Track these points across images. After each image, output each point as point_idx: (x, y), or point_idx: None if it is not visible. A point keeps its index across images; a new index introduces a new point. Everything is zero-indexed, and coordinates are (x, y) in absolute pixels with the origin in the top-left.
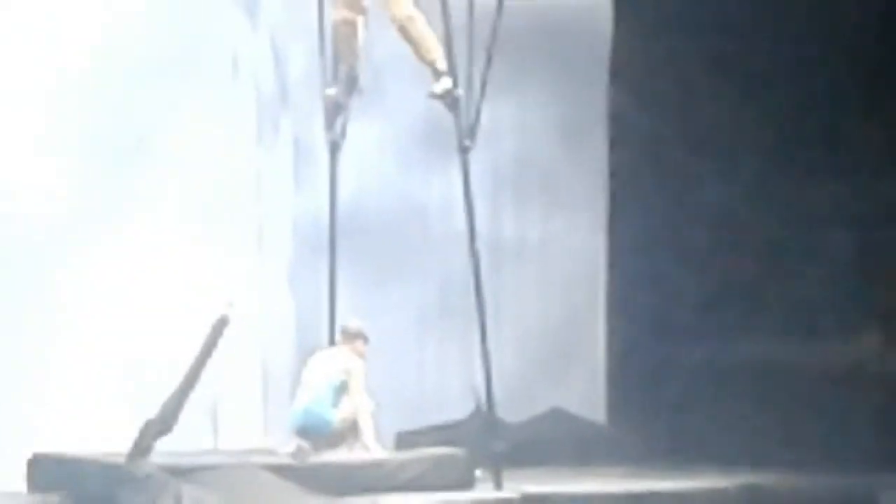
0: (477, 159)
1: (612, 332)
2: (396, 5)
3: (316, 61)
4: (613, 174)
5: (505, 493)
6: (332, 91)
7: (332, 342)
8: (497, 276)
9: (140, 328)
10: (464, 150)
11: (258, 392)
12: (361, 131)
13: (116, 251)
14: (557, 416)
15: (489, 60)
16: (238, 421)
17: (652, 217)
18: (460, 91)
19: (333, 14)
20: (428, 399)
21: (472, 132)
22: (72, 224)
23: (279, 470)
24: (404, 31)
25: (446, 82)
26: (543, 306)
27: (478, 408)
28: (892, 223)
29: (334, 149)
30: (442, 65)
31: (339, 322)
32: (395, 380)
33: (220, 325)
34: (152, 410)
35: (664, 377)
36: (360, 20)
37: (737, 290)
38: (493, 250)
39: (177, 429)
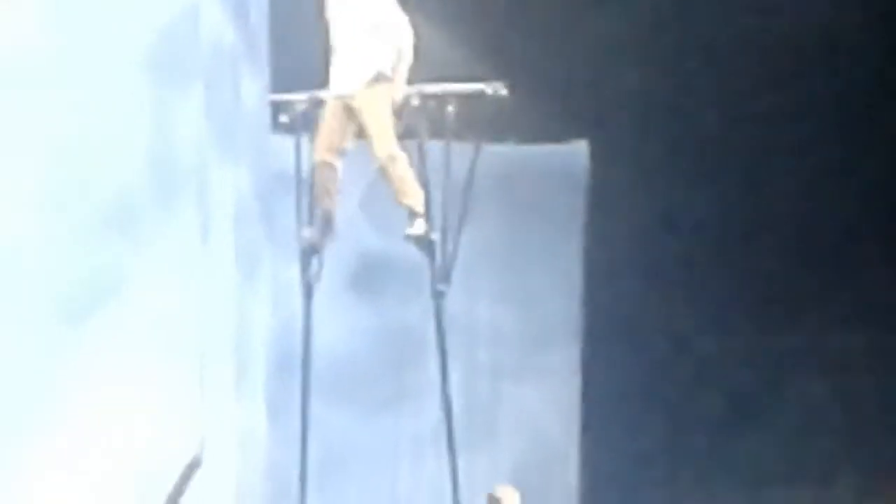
0: (454, 292)
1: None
2: (379, 145)
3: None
4: (589, 309)
5: None
6: (307, 233)
7: (303, 471)
8: (471, 413)
9: (110, 473)
10: (438, 296)
11: None
12: (332, 273)
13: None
14: None
15: (465, 207)
16: None
17: (628, 363)
18: (436, 236)
19: (315, 156)
20: None
21: (446, 277)
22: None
23: None
24: (384, 171)
25: (421, 225)
26: (516, 447)
27: None
28: None
29: (308, 291)
30: (419, 208)
31: None
32: None
33: (191, 467)
34: None
35: None
36: (340, 163)
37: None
38: (468, 386)
39: None
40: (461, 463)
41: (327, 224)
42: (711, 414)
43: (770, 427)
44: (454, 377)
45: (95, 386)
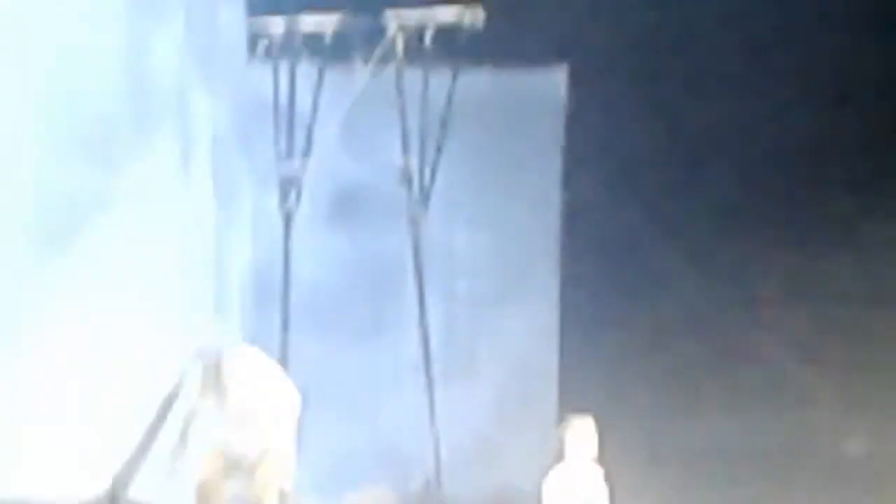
0: (431, 220)
1: (564, 400)
2: None
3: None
4: (567, 236)
5: None
6: (286, 169)
7: None
8: (450, 342)
9: (91, 399)
10: (415, 224)
11: None
12: (311, 202)
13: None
14: (509, 494)
15: (443, 134)
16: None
17: (603, 279)
18: (413, 163)
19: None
20: (379, 470)
21: (423, 205)
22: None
23: None
24: None
25: None
26: (496, 371)
27: (427, 483)
28: None
29: (287, 220)
30: None
31: None
32: (344, 453)
33: (170, 400)
34: (102, 484)
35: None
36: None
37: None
38: (447, 315)
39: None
40: (441, 391)
41: None
42: (691, 335)
43: (751, 356)
44: (433, 306)
45: (76, 311)
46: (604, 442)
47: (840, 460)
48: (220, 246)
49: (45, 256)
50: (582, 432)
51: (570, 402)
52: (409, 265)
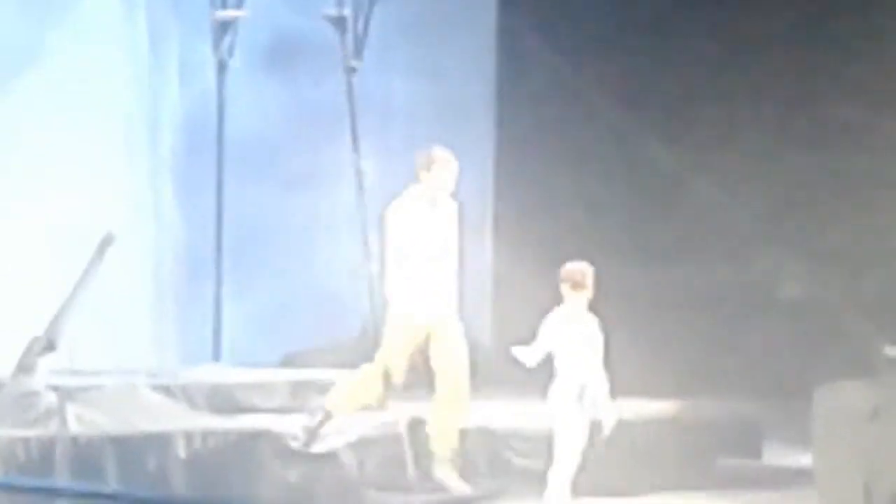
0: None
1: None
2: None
3: None
4: (504, 83)
5: (391, 417)
6: (220, 14)
7: (218, 249)
8: (384, 195)
9: (27, 245)
10: (350, 71)
11: (148, 310)
12: (245, 49)
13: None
14: None
15: None
16: (128, 339)
17: (542, 129)
18: (347, 11)
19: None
20: (316, 319)
21: (358, 53)
22: None
23: (165, 390)
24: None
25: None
26: None
27: (364, 329)
28: None
29: (222, 67)
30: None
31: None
32: (280, 301)
33: (105, 243)
34: (37, 328)
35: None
36: None
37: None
38: (383, 162)
39: (65, 348)
40: (375, 239)
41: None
42: (625, 178)
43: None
44: (369, 154)
45: (12, 162)
46: (543, 287)
47: (775, 304)
48: (154, 96)
49: None
50: (578, 277)
51: (504, 261)
52: (345, 113)
